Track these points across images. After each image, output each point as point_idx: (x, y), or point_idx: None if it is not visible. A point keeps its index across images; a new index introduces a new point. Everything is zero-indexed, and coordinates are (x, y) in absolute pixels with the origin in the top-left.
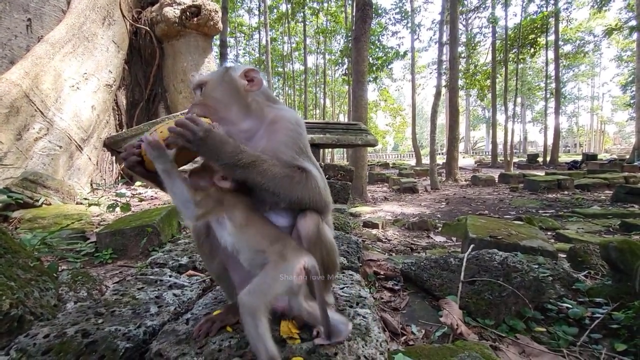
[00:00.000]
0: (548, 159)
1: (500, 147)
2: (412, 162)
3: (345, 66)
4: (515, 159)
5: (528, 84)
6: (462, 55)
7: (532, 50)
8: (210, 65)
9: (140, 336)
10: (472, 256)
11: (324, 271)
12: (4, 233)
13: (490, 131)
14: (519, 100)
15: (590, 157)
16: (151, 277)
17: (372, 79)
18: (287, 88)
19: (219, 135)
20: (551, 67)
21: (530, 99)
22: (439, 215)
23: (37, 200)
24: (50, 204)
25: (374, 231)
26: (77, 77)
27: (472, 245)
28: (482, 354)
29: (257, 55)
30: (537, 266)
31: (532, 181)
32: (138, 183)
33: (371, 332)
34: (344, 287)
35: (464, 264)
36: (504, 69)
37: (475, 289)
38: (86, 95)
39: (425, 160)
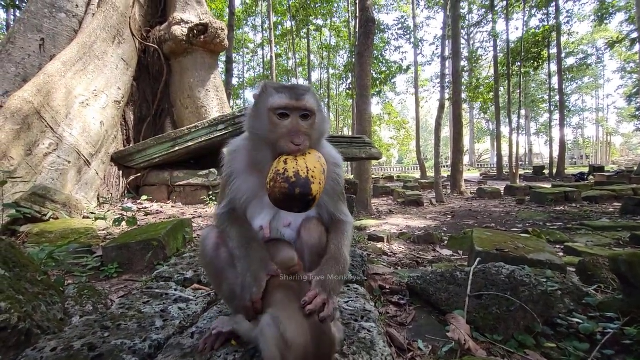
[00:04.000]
0: (554, 171)
1: (505, 159)
2: (417, 174)
3: (349, 81)
4: (521, 171)
5: (532, 97)
6: (465, 69)
7: (535, 63)
8: (216, 81)
9: (146, 350)
10: (479, 270)
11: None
12: (13, 247)
13: (495, 144)
14: (522, 112)
15: (597, 169)
16: (157, 290)
17: (375, 93)
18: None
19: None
20: (554, 79)
21: (535, 111)
22: (444, 229)
23: (45, 215)
24: (57, 219)
25: (379, 245)
26: (87, 94)
27: (478, 259)
28: None
29: (262, 70)
30: (545, 280)
31: (539, 193)
32: (144, 197)
33: (376, 346)
34: (348, 301)
35: (471, 277)
36: (507, 82)
37: (483, 303)
38: (95, 111)
39: (430, 172)
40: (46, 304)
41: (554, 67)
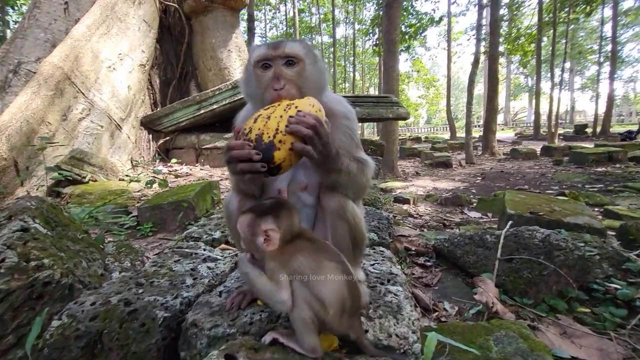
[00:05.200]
0: (598, 129)
1: (543, 117)
2: (446, 135)
3: (375, 36)
4: (561, 130)
5: (579, 47)
6: (504, 17)
7: (587, 8)
8: (238, 40)
9: (177, 306)
10: (511, 233)
11: (353, 245)
12: (54, 207)
13: (533, 101)
14: (567, 65)
15: None
16: (186, 250)
17: (404, 49)
18: (324, 65)
19: (335, 144)
20: (607, 26)
21: (581, 63)
22: (473, 191)
23: (85, 177)
24: (96, 181)
25: (405, 207)
26: (112, 58)
27: (510, 222)
28: (519, 334)
29: (285, 28)
30: (583, 244)
31: (579, 154)
32: (174, 160)
33: (403, 310)
34: (374, 264)
35: (502, 240)
36: (552, 30)
37: (513, 267)
38: (122, 75)
39: (460, 133)
40: (87, 260)
41: (607, 12)
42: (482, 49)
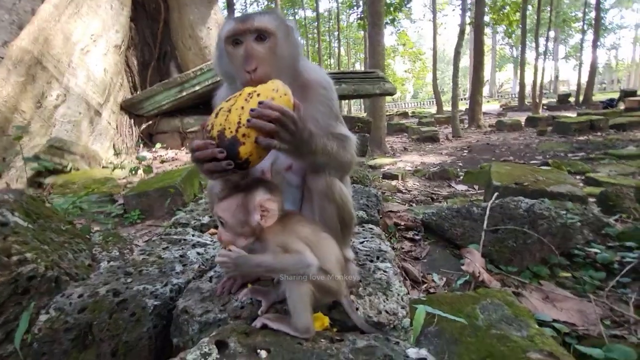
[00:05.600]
0: (581, 98)
1: (528, 88)
2: (433, 109)
3: (360, 9)
4: (545, 101)
5: (563, 15)
6: None
7: None
8: (217, 17)
9: (167, 294)
10: (496, 205)
11: (341, 225)
12: (35, 199)
13: (518, 71)
14: (552, 34)
15: (628, 94)
16: (175, 236)
17: (389, 21)
18: (298, 37)
19: (308, 126)
20: None
21: (565, 32)
22: (460, 164)
23: (66, 167)
24: (78, 169)
25: (394, 182)
26: (85, 40)
27: (496, 194)
28: (504, 301)
29: (266, 2)
30: (565, 212)
31: (562, 123)
32: (158, 145)
33: (392, 287)
34: (363, 241)
35: (487, 212)
36: None
37: (499, 237)
38: (97, 58)
39: (447, 107)
40: (73, 252)
41: None
42: (468, 20)
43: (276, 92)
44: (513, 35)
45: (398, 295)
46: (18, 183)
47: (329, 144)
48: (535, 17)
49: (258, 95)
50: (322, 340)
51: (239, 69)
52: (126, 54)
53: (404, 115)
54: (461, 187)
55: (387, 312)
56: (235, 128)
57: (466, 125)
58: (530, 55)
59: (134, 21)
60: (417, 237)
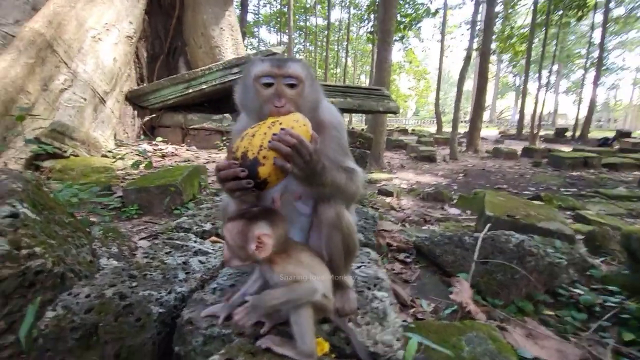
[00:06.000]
0: (578, 133)
1: (527, 117)
2: (433, 129)
3: (370, 23)
4: (542, 132)
5: (568, 50)
6: (499, 15)
7: (580, 12)
8: (231, 19)
9: (172, 302)
10: (488, 236)
11: (345, 253)
12: (39, 189)
13: (519, 100)
14: (555, 67)
15: (623, 135)
16: (177, 242)
17: (398, 38)
18: (308, 44)
19: (321, 159)
20: (597, 32)
21: (568, 67)
22: (455, 187)
23: (66, 152)
24: (77, 156)
25: (388, 199)
26: (98, 28)
27: (488, 225)
28: (488, 335)
29: (279, 6)
30: (552, 250)
31: (557, 157)
32: (159, 139)
33: (388, 317)
34: (361, 266)
35: (479, 244)
36: (543, 32)
37: (488, 269)
38: (108, 46)
39: (447, 127)
40: (75, 246)
41: (598, 18)
42: (475, 45)
43: (297, 123)
44: (517, 65)
45: (394, 326)
46: (16, 164)
47: (338, 177)
48: (541, 50)
49: (280, 123)
50: None
51: (267, 103)
52: (137, 45)
53: (404, 131)
54: (454, 211)
55: (383, 343)
56: (257, 150)
57: (464, 149)
58: (532, 85)
59: (148, 14)
60: (408, 260)
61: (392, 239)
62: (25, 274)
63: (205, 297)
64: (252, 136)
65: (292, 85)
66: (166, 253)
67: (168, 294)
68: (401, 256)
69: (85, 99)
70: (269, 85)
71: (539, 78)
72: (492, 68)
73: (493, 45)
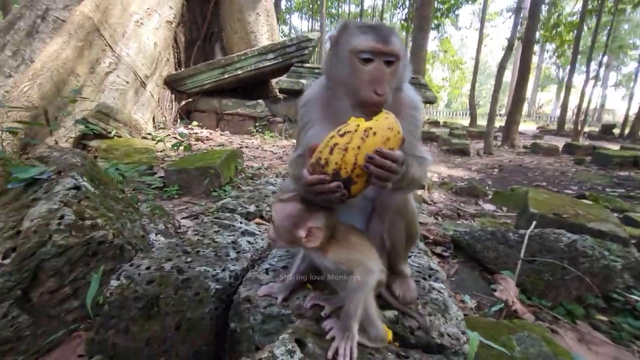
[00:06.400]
0: (627, 131)
1: (570, 112)
2: (466, 122)
3: (406, 10)
4: (587, 129)
5: (620, 41)
6: (546, 1)
7: None
8: (267, 4)
9: (227, 279)
10: (535, 234)
11: (406, 240)
12: (95, 165)
13: (562, 94)
14: (605, 59)
15: None
16: (225, 221)
17: (434, 27)
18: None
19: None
20: None
21: (620, 59)
22: (489, 182)
23: (110, 132)
24: (120, 137)
25: (420, 192)
26: (141, 12)
27: (534, 222)
28: (541, 336)
29: None
30: (607, 253)
31: (603, 155)
32: (194, 123)
33: (450, 309)
34: (411, 256)
35: (526, 241)
36: (595, 19)
37: (535, 268)
38: (149, 31)
39: (481, 121)
40: (130, 221)
41: None
42: (518, 34)
43: (391, 132)
44: (563, 56)
45: (457, 319)
46: (66, 142)
47: (416, 172)
48: (590, 40)
49: (374, 134)
50: (390, 354)
51: (365, 87)
52: (175, 30)
53: (435, 123)
54: (489, 207)
55: (449, 335)
56: (350, 169)
57: (499, 143)
58: (577, 78)
59: None
60: (445, 254)
61: (428, 232)
62: (89, 244)
63: (260, 277)
64: (344, 150)
65: (389, 63)
66: (215, 232)
67: (223, 271)
68: (438, 249)
69: (127, 82)
70: (367, 61)
71: (587, 70)
72: (534, 59)
73: (537, 35)
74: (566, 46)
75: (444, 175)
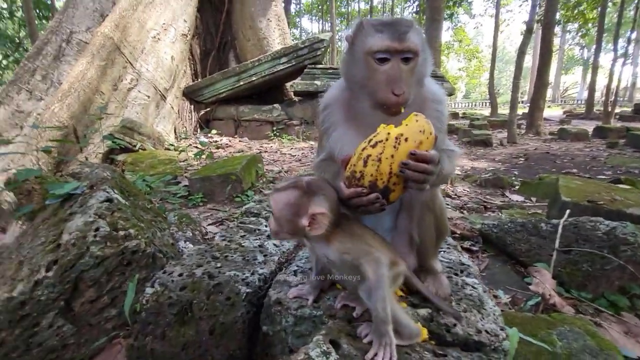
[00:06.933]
0: None
1: (598, 94)
2: (486, 111)
3: (416, 3)
4: (618, 109)
5: None
6: None
7: None
8: (277, 9)
9: (256, 283)
10: (569, 223)
11: (436, 235)
12: (124, 177)
13: (587, 75)
14: (633, 35)
15: None
16: (250, 225)
17: (447, 16)
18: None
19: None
20: None
21: None
22: (515, 172)
23: (135, 146)
24: (145, 149)
25: (442, 186)
26: (157, 28)
27: (568, 211)
28: (585, 330)
29: None
30: None
31: (638, 136)
32: (213, 131)
33: (485, 305)
34: (441, 251)
35: (560, 230)
36: None
37: (571, 259)
38: (166, 45)
39: (501, 109)
40: (159, 230)
41: None
42: (537, 17)
43: (423, 134)
44: (587, 35)
45: (494, 314)
46: (95, 158)
47: (446, 167)
48: (616, 16)
49: (406, 140)
50: (426, 352)
51: (382, 88)
52: (190, 42)
53: (454, 115)
54: (516, 198)
55: (487, 332)
56: (387, 178)
57: (523, 131)
58: (604, 57)
59: (200, 11)
60: (474, 248)
61: (455, 227)
62: (123, 253)
63: (289, 279)
64: (378, 161)
65: (407, 60)
66: (241, 236)
67: (252, 275)
68: (466, 244)
69: (148, 97)
70: (383, 60)
71: (615, 48)
72: (555, 40)
73: (557, 15)
74: (590, 24)
75: (467, 168)
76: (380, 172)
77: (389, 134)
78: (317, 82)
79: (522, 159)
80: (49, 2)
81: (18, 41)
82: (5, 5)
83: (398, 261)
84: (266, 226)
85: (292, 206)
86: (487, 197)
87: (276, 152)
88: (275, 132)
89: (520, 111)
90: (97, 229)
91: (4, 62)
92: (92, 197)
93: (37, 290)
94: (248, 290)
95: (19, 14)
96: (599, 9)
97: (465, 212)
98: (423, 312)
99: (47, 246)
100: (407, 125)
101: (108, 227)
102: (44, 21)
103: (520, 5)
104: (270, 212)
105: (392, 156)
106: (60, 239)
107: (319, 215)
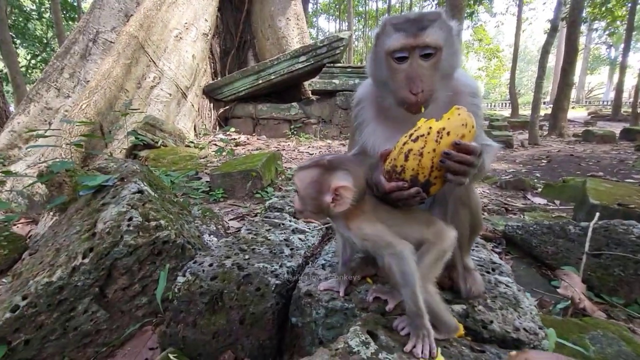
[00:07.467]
0: None
1: (626, 95)
2: (506, 112)
3: (435, 1)
4: None
5: None
6: None
7: None
8: (297, 8)
9: (285, 275)
10: (599, 226)
11: (470, 231)
12: (151, 172)
13: (615, 75)
14: None
15: None
16: (275, 220)
17: (467, 15)
18: (367, 30)
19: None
20: None
21: None
22: (537, 174)
23: (157, 142)
24: (166, 146)
25: None
26: (179, 27)
27: (597, 214)
28: (619, 335)
29: None
30: None
31: None
32: (232, 129)
33: (522, 303)
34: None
35: (590, 234)
36: None
37: (602, 263)
38: (187, 44)
39: (523, 110)
40: (186, 222)
41: None
42: (562, 14)
43: (465, 128)
44: (615, 33)
45: (530, 313)
46: (119, 153)
47: (485, 162)
48: None
49: (448, 134)
50: (464, 347)
51: (402, 88)
52: (211, 41)
53: None
54: (539, 201)
55: (525, 330)
56: (428, 172)
57: (545, 133)
58: (632, 57)
59: (220, 10)
60: (497, 250)
61: None
62: (155, 243)
63: (317, 272)
64: (419, 155)
65: (427, 56)
66: (267, 230)
67: (280, 267)
68: (489, 246)
69: (170, 94)
70: (402, 59)
71: None
72: (581, 39)
73: (584, 13)
74: (618, 22)
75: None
76: (422, 166)
77: (430, 128)
78: (336, 81)
79: (545, 161)
80: (75, 4)
81: (46, 41)
82: (34, 7)
83: (441, 236)
84: (290, 221)
85: (315, 183)
86: (508, 199)
87: (294, 150)
88: (292, 131)
89: (542, 112)
90: (130, 219)
91: (33, 61)
92: (125, 188)
93: (75, 276)
94: (277, 282)
95: (47, 15)
96: (628, 5)
97: (485, 213)
98: (458, 308)
99: (82, 234)
100: (449, 119)
101: (140, 218)
102: (70, 22)
103: (545, 3)
104: (292, 207)
105: (434, 150)
106: (95, 227)
107: (341, 189)
